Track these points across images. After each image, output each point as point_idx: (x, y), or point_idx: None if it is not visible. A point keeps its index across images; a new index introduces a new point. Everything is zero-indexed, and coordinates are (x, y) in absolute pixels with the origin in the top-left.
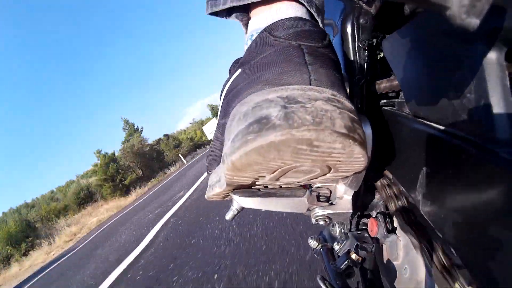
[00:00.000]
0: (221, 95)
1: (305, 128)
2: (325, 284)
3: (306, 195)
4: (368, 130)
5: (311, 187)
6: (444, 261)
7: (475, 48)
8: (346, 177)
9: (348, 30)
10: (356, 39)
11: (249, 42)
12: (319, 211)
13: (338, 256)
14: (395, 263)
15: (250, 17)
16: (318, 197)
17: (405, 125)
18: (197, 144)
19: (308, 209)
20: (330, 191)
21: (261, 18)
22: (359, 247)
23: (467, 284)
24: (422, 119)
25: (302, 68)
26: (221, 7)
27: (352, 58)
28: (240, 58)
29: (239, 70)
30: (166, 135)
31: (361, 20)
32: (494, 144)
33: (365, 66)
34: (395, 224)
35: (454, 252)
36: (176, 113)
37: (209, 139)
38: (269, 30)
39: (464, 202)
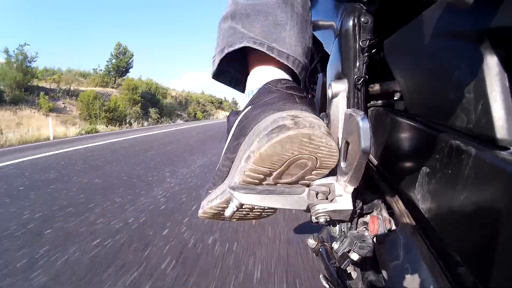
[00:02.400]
0: (230, 128)
1: (306, 128)
2: (328, 284)
3: (306, 192)
4: (365, 124)
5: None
6: (445, 260)
7: (475, 48)
8: (346, 174)
9: (349, 30)
10: (357, 39)
11: (249, 96)
12: (319, 208)
13: (338, 256)
14: (395, 262)
15: (249, 72)
16: (317, 194)
17: (405, 125)
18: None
19: (308, 207)
20: (330, 189)
21: (259, 76)
22: (359, 247)
23: (468, 283)
24: (421, 118)
25: (296, 105)
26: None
27: (352, 58)
28: (236, 112)
29: (250, 107)
30: None
31: (361, 20)
32: (494, 144)
33: (365, 66)
34: (395, 222)
35: (454, 251)
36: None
37: None
38: (272, 83)
39: (464, 201)
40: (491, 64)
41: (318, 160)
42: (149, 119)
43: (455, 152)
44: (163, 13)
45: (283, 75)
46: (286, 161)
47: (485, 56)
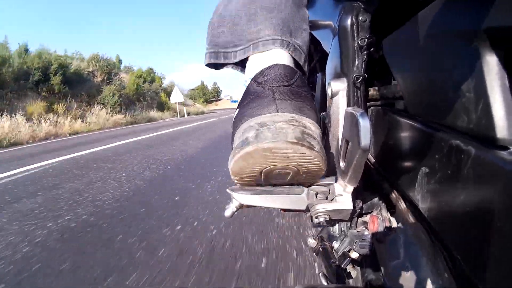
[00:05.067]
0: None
1: (266, 141)
2: (327, 282)
3: (305, 193)
4: (365, 122)
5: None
6: (445, 259)
7: (475, 48)
8: (346, 173)
9: (347, 28)
10: (355, 38)
11: (244, 88)
12: (319, 208)
13: (338, 255)
14: (395, 261)
15: (247, 59)
16: (316, 194)
17: (405, 124)
18: None
19: (308, 207)
20: (329, 189)
21: (255, 63)
22: (359, 246)
23: (468, 282)
24: (421, 118)
25: (271, 103)
26: (222, 61)
27: (351, 57)
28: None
29: (237, 110)
30: None
31: (360, 19)
32: (494, 144)
33: (364, 64)
34: (395, 222)
35: (454, 250)
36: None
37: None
38: (254, 78)
39: (464, 201)
40: (491, 63)
41: (297, 168)
42: None
43: (455, 152)
44: (162, 5)
45: (276, 60)
46: (260, 172)
47: (485, 55)
